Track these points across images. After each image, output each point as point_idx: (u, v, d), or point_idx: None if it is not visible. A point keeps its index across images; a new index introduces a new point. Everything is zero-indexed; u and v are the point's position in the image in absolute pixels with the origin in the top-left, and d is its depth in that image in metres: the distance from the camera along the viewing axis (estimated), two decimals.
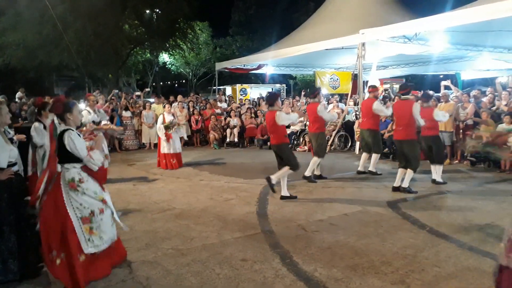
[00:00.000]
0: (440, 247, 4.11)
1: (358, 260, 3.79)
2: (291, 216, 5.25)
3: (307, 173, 7.29)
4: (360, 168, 8.01)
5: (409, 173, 6.39)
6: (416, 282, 3.34)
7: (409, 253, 3.95)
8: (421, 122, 6.55)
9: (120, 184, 7.33)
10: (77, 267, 3.17)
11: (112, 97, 12.63)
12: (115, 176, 7.74)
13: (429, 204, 5.81)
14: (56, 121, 3.39)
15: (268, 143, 12.15)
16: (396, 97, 9.02)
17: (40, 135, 5.11)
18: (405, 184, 6.40)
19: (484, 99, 9.58)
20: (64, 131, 3.29)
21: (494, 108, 9.03)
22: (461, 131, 8.97)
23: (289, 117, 6.30)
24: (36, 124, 5.23)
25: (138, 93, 15.21)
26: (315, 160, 7.31)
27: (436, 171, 7.09)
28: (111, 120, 11.58)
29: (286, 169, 6.03)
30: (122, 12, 19.01)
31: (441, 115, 6.90)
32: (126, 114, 12.35)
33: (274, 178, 6.08)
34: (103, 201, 3.41)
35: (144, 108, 12.64)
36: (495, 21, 7.75)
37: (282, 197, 6.07)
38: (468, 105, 9.11)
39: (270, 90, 18.40)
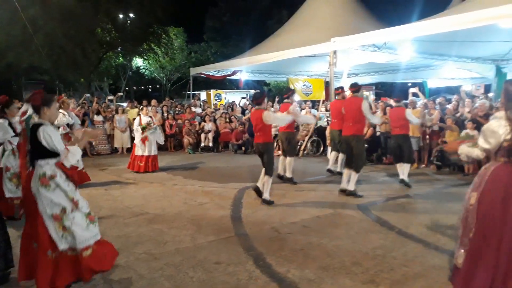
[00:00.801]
0: (408, 247, 4.25)
1: (330, 261, 3.88)
2: (265, 219, 5.31)
3: (289, 174, 7.52)
4: (330, 167, 8.33)
5: (354, 175, 6.48)
6: (385, 281, 3.45)
7: (378, 253, 4.07)
8: (374, 119, 6.90)
9: (92, 189, 7.19)
10: (42, 263, 3.05)
11: (84, 101, 12.38)
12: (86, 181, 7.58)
13: (398, 206, 6.00)
14: (30, 113, 3.20)
15: (243, 148, 12.27)
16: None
17: (2, 131, 5.01)
18: (351, 187, 6.47)
19: (449, 106, 10.00)
20: (38, 125, 3.12)
21: (458, 114, 9.44)
22: (427, 136, 9.32)
23: (280, 116, 6.30)
24: (0, 120, 5.11)
25: (110, 97, 14.97)
26: (289, 160, 7.48)
27: (404, 171, 7.31)
28: (82, 124, 11.38)
29: (266, 178, 6.08)
30: (94, 15, 18.71)
31: (412, 116, 7.28)
32: (98, 118, 12.14)
33: (265, 194, 6.11)
34: (74, 201, 3.22)
35: (117, 112, 12.46)
36: (459, 32, 8.12)
37: (263, 201, 6.09)
38: (434, 111, 9.48)
39: (245, 96, 18.49)
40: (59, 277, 3.10)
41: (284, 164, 7.64)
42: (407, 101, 10.11)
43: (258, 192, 6.21)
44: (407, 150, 7.37)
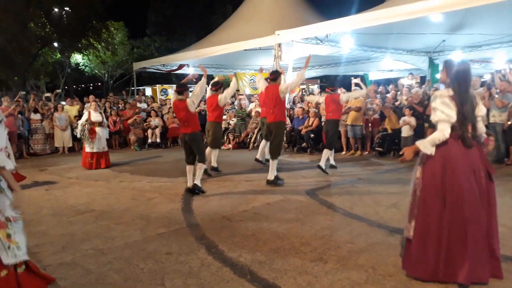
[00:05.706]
0: (353, 226, 4.47)
1: (280, 243, 3.99)
2: (216, 209, 5.32)
3: (214, 164, 7.71)
4: (258, 157, 7.96)
5: (271, 163, 6.61)
6: (333, 258, 3.60)
7: (325, 233, 4.24)
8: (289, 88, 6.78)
9: (31, 189, 6.79)
10: None
11: (19, 99, 11.60)
12: (24, 182, 7.12)
13: (343, 190, 6.27)
14: None
15: None
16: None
17: None
18: (271, 177, 6.60)
19: (388, 95, 10.56)
20: None
21: (397, 103, 10.03)
22: (369, 124, 9.79)
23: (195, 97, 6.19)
24: None
25: (47, 94, 14.13)
26: (209, 151, 7.55)
27: (323, 157, 7.36)
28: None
29: (199, 166, 6.14)
30: (25, 8, 17.51)
31: (347, 94, 7.81)
32: (36, 117, 11.45)
33: (197, 181, 6.13)
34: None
35: (56, 110, 11.82)
36: (394, 24, 8.58)
37: (194, 186, 6.11)
38: (375, 101, 9.97)
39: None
40: None
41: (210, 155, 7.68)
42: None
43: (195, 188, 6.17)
44: (329, 137, 7.53)
